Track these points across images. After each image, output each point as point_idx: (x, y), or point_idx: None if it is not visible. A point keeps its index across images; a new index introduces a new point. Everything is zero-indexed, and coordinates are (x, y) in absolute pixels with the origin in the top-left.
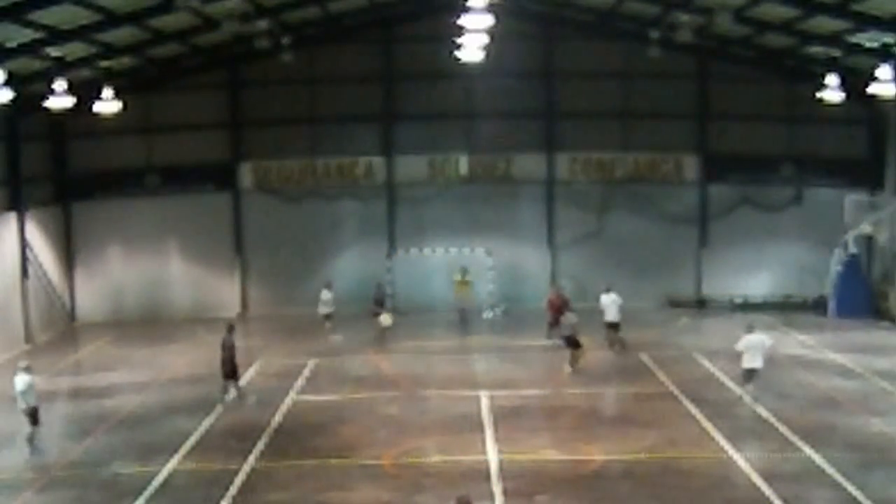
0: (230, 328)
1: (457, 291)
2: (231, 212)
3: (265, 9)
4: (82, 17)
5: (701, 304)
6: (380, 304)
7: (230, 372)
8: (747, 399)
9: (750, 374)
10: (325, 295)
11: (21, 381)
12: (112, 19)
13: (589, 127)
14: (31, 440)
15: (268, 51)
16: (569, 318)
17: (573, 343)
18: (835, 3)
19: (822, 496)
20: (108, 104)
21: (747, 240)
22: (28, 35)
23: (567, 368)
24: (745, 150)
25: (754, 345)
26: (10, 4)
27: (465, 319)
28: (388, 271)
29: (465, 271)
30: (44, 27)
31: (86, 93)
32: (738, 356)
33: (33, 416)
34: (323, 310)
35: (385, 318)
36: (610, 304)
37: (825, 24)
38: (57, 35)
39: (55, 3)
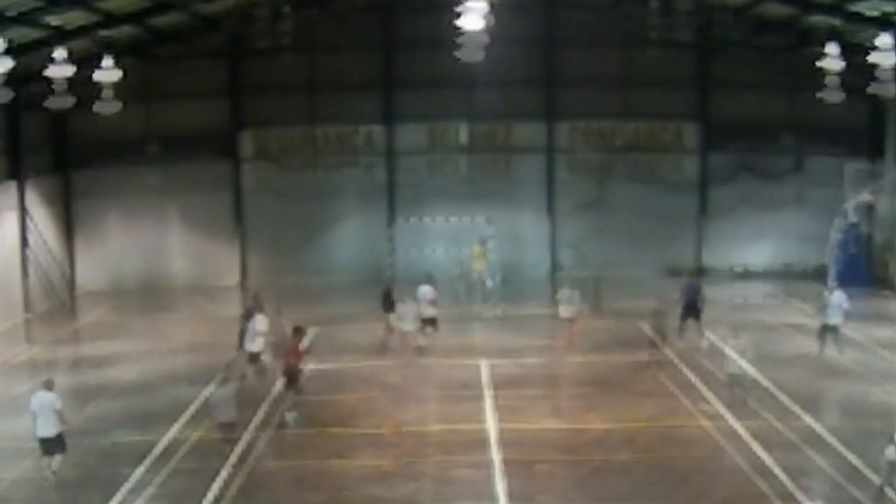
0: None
1: (473, 263)
2: (231, 180)
3: None
4: None
5: (701, 273)
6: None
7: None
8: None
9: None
10: (430, 294)
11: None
12: None
13: (589, 95)
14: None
15: (268, 18)
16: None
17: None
18: None
19: (822, 464)
20: (108, 73)
21: (747, 208)
22: (27, 4)
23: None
24: (745, 119)
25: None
26: None
27: (471, 290)
28: (388, 240)
29: (483, 242)
30: None
31: (86, 61)
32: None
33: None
34: (428, 312)
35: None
36: (566, 300)
37: None
38: (56, 3)
39: None
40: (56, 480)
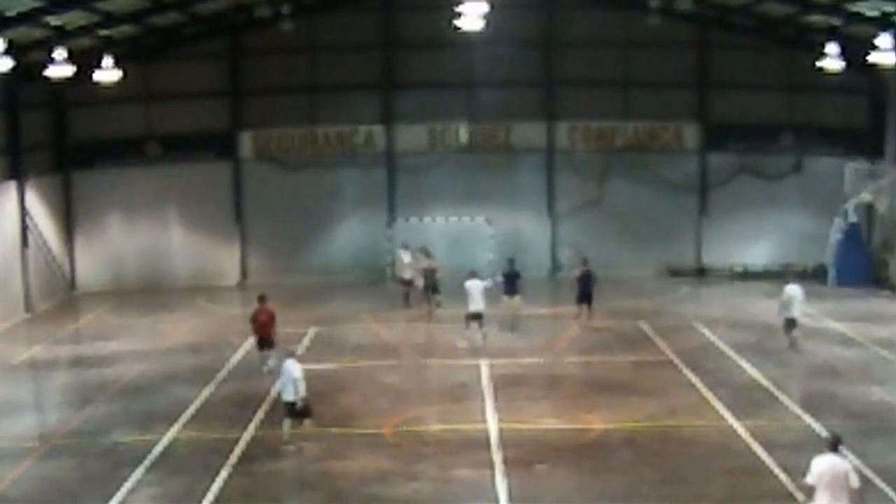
0: None
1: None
2: (231, 180)
3: None
4: None
5: (701, 273)
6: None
7: None
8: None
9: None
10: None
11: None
12: None
13: (589, 95)
14: None
15: (268, 19)
16: None
17: None
18: None
19: None
20: (108, 73)
21: (747, 208)
22: (28, 4)
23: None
24: (745, 119)
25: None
26: None
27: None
28: (387, 240)
29: (426, 252)
30: None
31: (86, 61)
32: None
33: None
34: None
35: (518, 301)
36: (475, 290)
37: None
38: (57, 3)
39: None
40: (291, 445)
